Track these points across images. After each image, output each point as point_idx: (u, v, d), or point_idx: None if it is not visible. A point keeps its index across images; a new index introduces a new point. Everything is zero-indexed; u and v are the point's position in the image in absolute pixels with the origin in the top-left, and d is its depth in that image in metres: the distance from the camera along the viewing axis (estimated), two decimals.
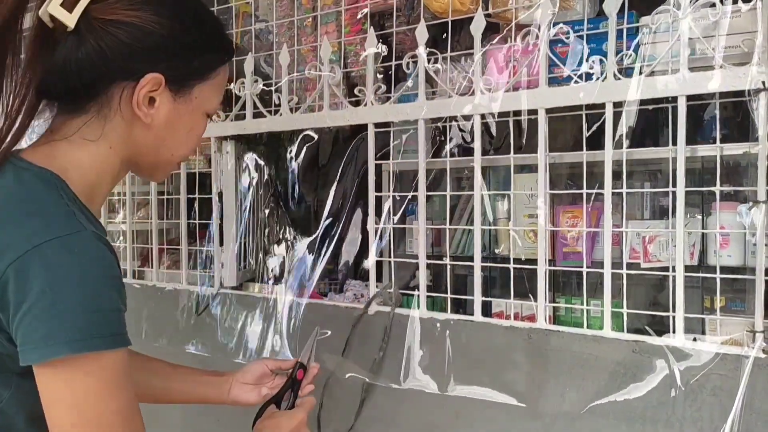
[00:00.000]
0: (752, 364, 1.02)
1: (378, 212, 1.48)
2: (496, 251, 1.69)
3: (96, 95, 0.85)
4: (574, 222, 1.55)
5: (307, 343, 1.21)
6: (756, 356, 1.02)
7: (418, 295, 1.38)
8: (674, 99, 1.10)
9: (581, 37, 1.23)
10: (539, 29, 1.22)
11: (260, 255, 1.93)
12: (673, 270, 1.13)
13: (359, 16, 1.59)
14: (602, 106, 1.16)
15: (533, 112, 1.23)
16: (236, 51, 1.41)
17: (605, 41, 1.19)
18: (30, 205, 0.79)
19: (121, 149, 0.89)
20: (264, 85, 1.62)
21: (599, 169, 1.19)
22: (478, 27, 1.28)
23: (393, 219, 1.49)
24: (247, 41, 1.75)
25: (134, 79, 0.85)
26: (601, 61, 1.17)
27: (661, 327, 1.16)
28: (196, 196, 1.80)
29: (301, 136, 1.66)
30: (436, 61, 1.35)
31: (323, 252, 1.65)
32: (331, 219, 1.65)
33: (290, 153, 1.71)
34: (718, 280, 1.13)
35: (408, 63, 1.37)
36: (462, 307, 1.46)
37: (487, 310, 1.52)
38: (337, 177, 1.70)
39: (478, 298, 1.32)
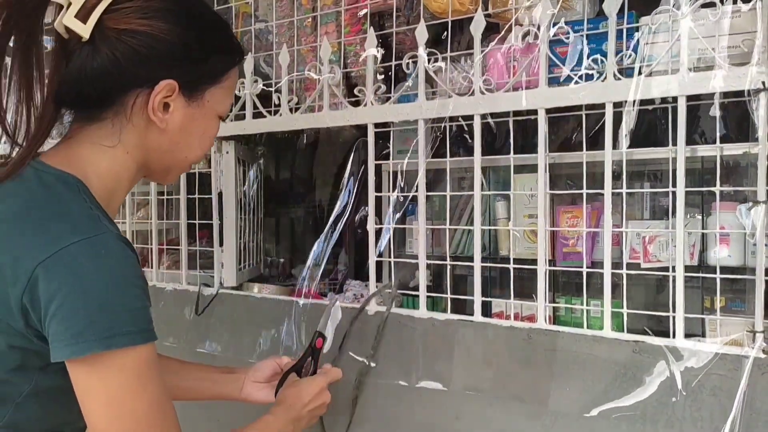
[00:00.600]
0: (752, 364, 1.02)
1: (378, 212, 1.48)
2: (503, 253, 1.68)
3: (112, 103, 0.88)
4: (574, 222, 1.55)
5: (325, 311, 1.23)
6: (756, 356, 1.02)
7: (418, 296, 1.38)
8: (674, 99, 1.10)
9: (581, 37, 1.23)
10: (539, 29, 1.22)
11: (262, 255, 1.94)
12: (673, 270, 1.13)
13: (360, 14, 1.59)
14: (602, 106, 1.16)
15: (533, 112, 1.23)
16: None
17: (605, 41, 1.19)
18: (54, 206, 0.82)
19: (137, 154, 0.91)
20: (264, 85, 1.62)
21: (599, 169, 1.19)
22: (477, 27, 1.28)
23: (393, 219, 1.49)
24: (247, 41, 1.75)
25: (149, 86, 0.87)
26: (601, 61, 1.17)
27: (661, 327, 1.16)
28: (196, 196, 1.80)
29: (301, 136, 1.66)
30: (436, 60, 1.35)
31: (325, 252, 1.65)
32: (331, 219, 1.65)
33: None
34: (718, 281, 1.13)
35: (408, 63, 1.37)
36: (462, 307, 1.46)
37: (487, 310, 1.52)
38: (347, 175, 1.69)
39: (478, 299, 1.32)
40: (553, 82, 1.23)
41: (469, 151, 1.35)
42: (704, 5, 1.09)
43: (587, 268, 1.26)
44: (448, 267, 1.38)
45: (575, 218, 1.55)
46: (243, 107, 1.64)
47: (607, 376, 1.14)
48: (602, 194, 1.18)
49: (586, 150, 1.23)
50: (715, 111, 1.10)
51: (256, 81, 1.62)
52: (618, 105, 1.15)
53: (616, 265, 1.19)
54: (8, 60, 0.85)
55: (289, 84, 1.60)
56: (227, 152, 1.71)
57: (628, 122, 1.15)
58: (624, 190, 1.18)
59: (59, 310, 0.76)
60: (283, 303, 1.58)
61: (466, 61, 1.39)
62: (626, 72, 1.17)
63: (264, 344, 1.58)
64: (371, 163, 1.44)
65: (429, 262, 1.43)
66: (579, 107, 1.21)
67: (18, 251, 0.78)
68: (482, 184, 1.32)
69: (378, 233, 1.46)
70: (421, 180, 1.37)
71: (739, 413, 1.02)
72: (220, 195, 1.73)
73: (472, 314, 1.32)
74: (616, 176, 1.17)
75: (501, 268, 1.38)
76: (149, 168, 0.95)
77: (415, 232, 1.62)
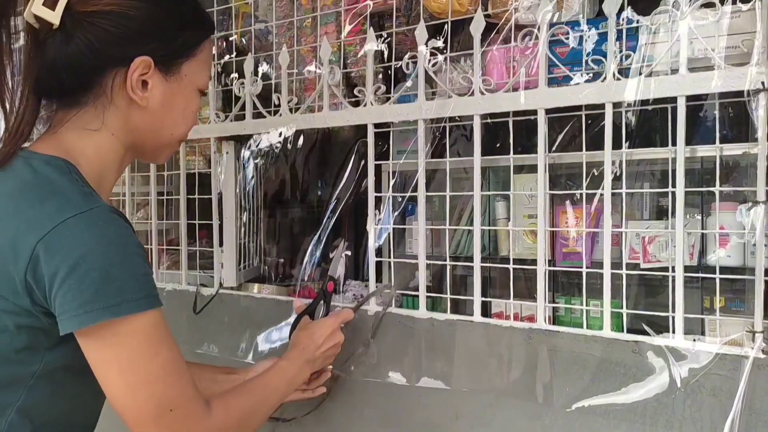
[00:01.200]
0: (752, 364, 1.02)
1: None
2: (503, 253, 1.68)
3: (91, 86, 0.89)
4: (573, 222, 1.55)
5: (334, 256, 1.26)
6: (756, 356, 1.02)
7: (418, 296, 1.38)
8: (674, 99, 1.10)
9: (581, 37, 1.23)
10: (538, 29, 1.22)
11: (263, 255, 1.93)
12: (673, 270, 1.13)
13: (359, 14, 1.59)
14: (602, 106, 1.16)
15: (533, 112, 1.23)
16: (216, 27, 1.40)
17: (605, 41, 1.19)
18: (47, 186, 0.83)
19: (123, 135, 0.93)
20: (264, 85, 1.62)
21: (599, 170, 1.19)
22: (477, 27, 1.28)
23: (392, 218, 1.49)
24: (247, 41, 1.75)
25: (124, 65, 0.88)
26: (600, 61, 1.17)
27: (661, 327, 1.16)
28: (196, 196, 1.80)
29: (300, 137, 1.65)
30: (436, 55, 1.35)
31: (321, 251, 1.65)
32: (332, 219, 1.65)
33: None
34: (717, 281, 1.13)
35: (408, 63, 1.37)
36: (462, 307, 1.46)
37: (486, 310, 1.52)
38: (345, 175, 1.70)
39: (477, 299, 1.32)
40: (553, 82, 1.23)
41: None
42: (704, 5, 1.09)
43: (587, 268, 1.26)
44: (448, 267, 1.38)
45: (575, 218, 1.55)
46: (243, 107, 1.64)
47: (607, 376, 1.14)
48: (602, 194, 1.18)
49: (586, 150, 1.23)
50: (715, 111, 1.11)
51: (256, 81, 1.62)
52: (618, 105, 1.15)
53: (616, 265, 1.19)
54: None
55: (288, 84, 1.59)
56: (227, 152, 1.71)
57: (628, 122, 1.15)
58: (624, 190, 1.18)
59: (64, 282, 0.77)
60: (282, 303, 1.59)
61: (466, 61, 1.39)
62: (626, 72, 1.17)
63: (262, 344, 1.59)
64: (371, 163, 1.44)
65: (429, 262, 1.43)
66: (579, 107, 1.21)
67: (16, 230, 0.79)
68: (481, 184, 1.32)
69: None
70: (421, 180, 1.37)
71: (738, 413, 1.02)
72: (220, 195, 1.73)
73: (471, 314, 1.32)
74: (616, 176, 1.17)
75: (501, 268, 1.38)
76: (137, 149, 0.97)
77: (414, 233, 1.62)
